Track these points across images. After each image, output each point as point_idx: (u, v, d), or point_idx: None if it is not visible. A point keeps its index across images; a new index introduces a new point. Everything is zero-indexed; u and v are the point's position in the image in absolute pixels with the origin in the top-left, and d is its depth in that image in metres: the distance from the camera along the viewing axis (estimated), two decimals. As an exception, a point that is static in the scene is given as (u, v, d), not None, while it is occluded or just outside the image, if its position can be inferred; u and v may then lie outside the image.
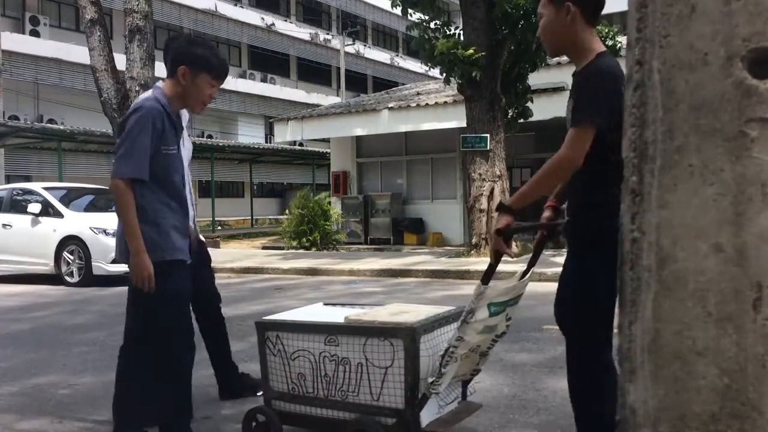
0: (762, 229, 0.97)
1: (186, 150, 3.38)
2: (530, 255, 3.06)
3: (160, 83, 3.09)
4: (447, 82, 11.90)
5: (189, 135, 3.61)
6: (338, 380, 2.85)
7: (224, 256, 12.60)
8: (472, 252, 11.88)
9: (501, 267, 2.75)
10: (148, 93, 3.08)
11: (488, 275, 2.64)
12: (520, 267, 2.98)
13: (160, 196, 2.96)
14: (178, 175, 3.05)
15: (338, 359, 2.84)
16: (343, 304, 3.53)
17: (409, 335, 2.68)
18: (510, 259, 2.89)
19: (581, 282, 2.74)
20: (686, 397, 1.00)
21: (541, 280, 7.89)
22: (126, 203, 2.87)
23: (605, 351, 2.74)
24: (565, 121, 2.79)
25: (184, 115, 3.39)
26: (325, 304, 3.48)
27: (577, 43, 2.66)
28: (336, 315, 3.08)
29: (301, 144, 26.12)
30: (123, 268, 10.12)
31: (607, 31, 11.91)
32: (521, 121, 12.82)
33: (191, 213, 3.23)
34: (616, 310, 1.23)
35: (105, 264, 10.20)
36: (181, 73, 2.98)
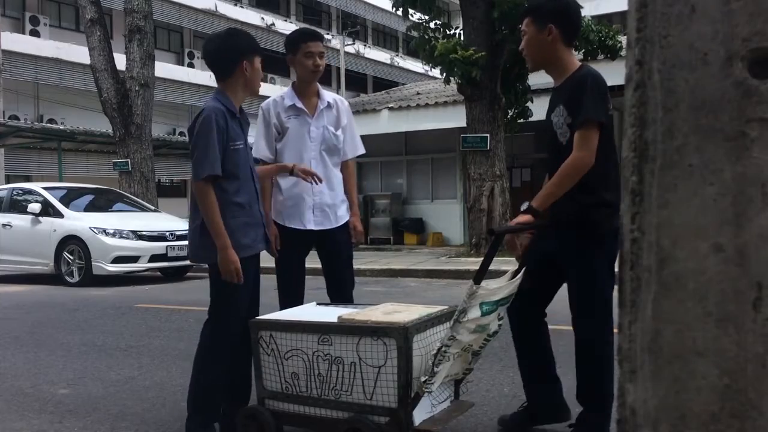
0: (762, 229, 0.97)
1: None
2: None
3: (218, 88, 3.23)
4: (447, 82, 11.90)
5: None
6: (331, 379, 2.85)
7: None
8: (472, 252, 11.89)
9: (493, 266, 2.78)
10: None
11: (480, 275, 2.66)
12: (512, 267, 3.00)
13: (231, 194, 3.10)
14: (246, 168, 3.19)
15: (331, 358, 2.85)
16: (336, 304, 3.53)
17: (402, 334, 2.68)
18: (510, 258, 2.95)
19: (587, 281, 2.82)
20: (686, 397, 1.00)
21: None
22: (209, 203, 3.02)
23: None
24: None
25: None
26: (318, 304, 3.48)
27: (556, 60, 2.93)
28: (329, 314, 3.08)
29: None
30: (123, 267, 10.24)
31: (607, 31, 11.91)
32: (521, 121, 12.82)
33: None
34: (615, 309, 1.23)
35: (105, 264, 10.21)
36: (244, 67, 3.14)
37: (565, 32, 2.88)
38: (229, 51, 3.16)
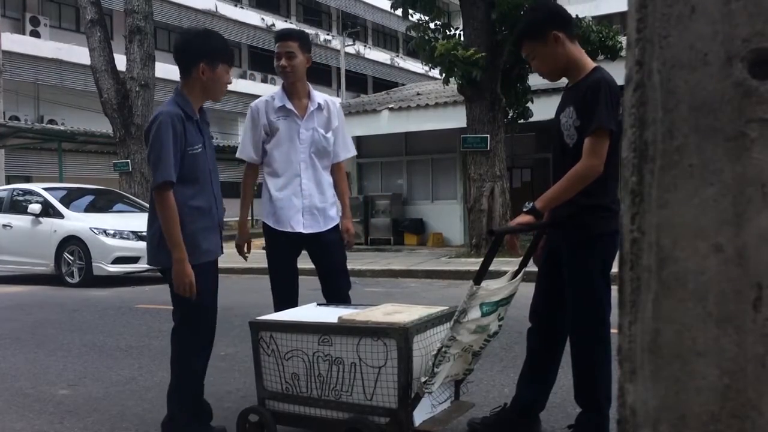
0: (762, 229, 0.97)
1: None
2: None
3: (179, 85, 3.12)
4: (446, 82, 11.91)
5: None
6: (332, 380, 2.86)
7: (224, 256, 12.56)
8: (473, 252, 11.89)
9: (493, 267, 2.78)
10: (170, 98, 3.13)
11: (480, 275, 2.66)
12: (512, 267, 3.00)
13: (190, 198, 3.01)
14: (206, 173, 3.10)
15: (332, 359, 2.85)
16: (336, 304, 3.53)
17: (402, 335, 2.68)
18: (511, 258, 2.97)
19: (579, 282, 2.83)
20: (686, 397, 1.00)
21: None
22: (165, 211, 2.93)
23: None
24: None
25: None
26: (319, 305, 3.49)
27: (571, 62, 2.87)
28: (329, 315, 3.08)
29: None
30: (123, 268, 10.23)
31: (607, 31, 11.91)
32: (521, 121, 12.82)
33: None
34: (614, 309, 1.23)
35: (105, 264, 10.21)
36: (201, 70, 3.01)
37: (566, 31, 2.85)
38: (189, 51, 3.05)
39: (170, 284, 3.12)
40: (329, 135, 3.78)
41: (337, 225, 3.82)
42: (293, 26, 34.51)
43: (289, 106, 3.70)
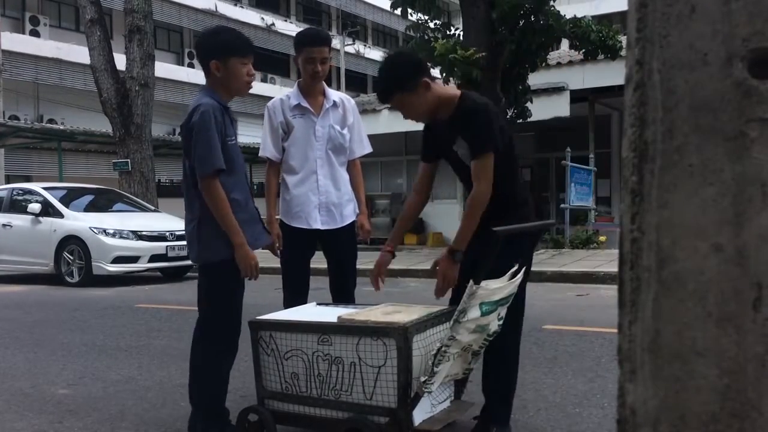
0: (762, 229, 0.97)
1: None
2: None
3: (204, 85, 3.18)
4: (446, 82, 11.88)
5: None
6: (331, 379, 2.86)
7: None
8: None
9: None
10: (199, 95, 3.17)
11: (479, 275, 2.66)
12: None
13: (229, 190, 3.02)
14: (241, 163, 3.13)
15: (331, 359, 2.85)
16: (336, 304, 3.54)
17: (401, 335, 2.68)
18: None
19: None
20: (686, 397, 1.00)
21: (541, 280, 7.91)
22: (220, 199, 2.95)
23: None
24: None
25: None
26: (318, 304, 3.49)
27: (441, 99, 2.98)
28: (329, 314, 3.08)
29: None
30: (123, 267, 10.23)
31: (607, 31, 11.90)
32: (521, 121, 12.81)
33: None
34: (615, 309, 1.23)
35: (105, 264, 10.20)
36: (213, 67, 3.03)
37: (429, 74, 2.95)
38: (202, 50, 3.11)
39: (200, 284, 3.13)
40: (345, 132, 3.84)
41: (354, 222, 3.86)
42: (293, 26, 34.58)
43: (305, 104, 3.74)
